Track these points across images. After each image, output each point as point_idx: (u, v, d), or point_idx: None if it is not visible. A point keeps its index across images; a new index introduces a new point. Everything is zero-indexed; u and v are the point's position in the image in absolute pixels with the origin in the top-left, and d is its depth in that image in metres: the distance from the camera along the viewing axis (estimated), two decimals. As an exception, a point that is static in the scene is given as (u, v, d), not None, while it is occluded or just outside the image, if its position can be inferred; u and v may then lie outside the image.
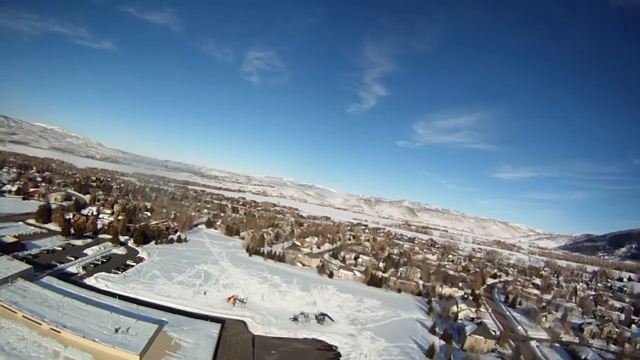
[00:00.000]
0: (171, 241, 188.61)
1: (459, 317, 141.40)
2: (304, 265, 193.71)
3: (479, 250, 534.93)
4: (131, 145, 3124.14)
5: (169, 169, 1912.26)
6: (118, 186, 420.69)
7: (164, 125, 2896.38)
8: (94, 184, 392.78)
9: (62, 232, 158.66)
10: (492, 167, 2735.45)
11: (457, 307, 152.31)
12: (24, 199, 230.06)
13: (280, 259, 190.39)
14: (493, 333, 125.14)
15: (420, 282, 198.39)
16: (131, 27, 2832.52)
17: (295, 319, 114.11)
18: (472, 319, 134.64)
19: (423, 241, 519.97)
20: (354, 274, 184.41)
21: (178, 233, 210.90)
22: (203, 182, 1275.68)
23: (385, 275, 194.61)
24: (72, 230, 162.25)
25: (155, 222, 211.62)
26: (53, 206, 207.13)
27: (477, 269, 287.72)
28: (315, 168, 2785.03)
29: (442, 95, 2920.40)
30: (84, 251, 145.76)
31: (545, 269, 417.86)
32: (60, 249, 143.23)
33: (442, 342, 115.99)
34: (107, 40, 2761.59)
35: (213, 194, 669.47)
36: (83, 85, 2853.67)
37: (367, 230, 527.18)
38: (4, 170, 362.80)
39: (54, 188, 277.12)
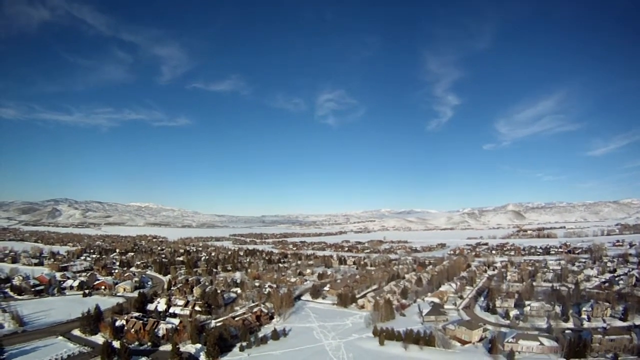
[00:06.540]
0: (264, 340, 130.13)
1: None
2: (463, 343, 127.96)
3: (620, 244, 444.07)
4: (226, 208, 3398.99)
5: (266, 224, 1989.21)
6: (207, 256, 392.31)
7: (253, 182, 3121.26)
8: (181, 257, 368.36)
9: (102, 351, 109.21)
10: (583, 146, 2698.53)
11: None
12: (84, 295, 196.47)
13: (427, 341, 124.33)
14: None
15: (621, 323, 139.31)
16: (202, 100, 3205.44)
17: None
18: None
19: (560, 249, 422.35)
20: (541, 343, 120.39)
21: (273, 322, 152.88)
22: (302, 231, 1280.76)
23: (570, 325, 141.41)
24: (117, 346, 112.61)
25: (241, 312, 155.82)
26: (119, 300, 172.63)
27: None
28: (410, 192, 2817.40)
29: (514, 88, 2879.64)
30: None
31: None
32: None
33: None
34: (182, 117, 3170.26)
35: (314, 244, 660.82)
36: (168, 160, 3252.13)
37: (493, 251, 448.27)
38: (82, 258, 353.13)
39: (126, 274, 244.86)
